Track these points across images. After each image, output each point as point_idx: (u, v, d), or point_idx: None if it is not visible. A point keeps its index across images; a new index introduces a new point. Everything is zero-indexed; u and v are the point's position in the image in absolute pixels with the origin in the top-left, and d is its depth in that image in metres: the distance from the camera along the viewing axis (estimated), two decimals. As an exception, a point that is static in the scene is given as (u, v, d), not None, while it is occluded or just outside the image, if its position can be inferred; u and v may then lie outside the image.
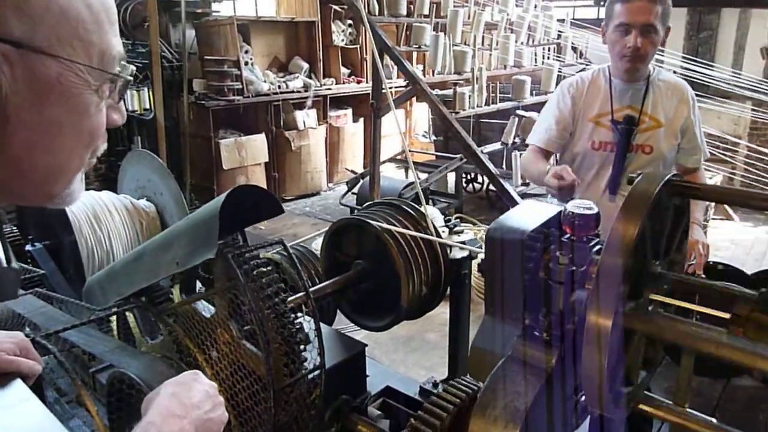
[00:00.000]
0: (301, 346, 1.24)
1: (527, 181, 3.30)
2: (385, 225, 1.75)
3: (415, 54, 6.00)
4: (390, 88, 6.64)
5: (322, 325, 1.61)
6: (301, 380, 1.23)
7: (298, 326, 1.24)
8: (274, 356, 1.16)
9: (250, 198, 1.32)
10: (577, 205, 1.21)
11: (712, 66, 6.79)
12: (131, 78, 0.64)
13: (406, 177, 6.34)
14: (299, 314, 1.31)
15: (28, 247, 2.90)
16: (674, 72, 7.12)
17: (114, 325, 1.63)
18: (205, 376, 0.91)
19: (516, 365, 1.19)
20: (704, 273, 2.00)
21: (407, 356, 3.51)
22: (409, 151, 7.21)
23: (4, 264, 0.61)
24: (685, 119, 2.19)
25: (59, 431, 0.81)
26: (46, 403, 1.30)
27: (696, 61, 6.55)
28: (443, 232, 1.92)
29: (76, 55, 0.58)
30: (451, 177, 6.19)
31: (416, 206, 1.88)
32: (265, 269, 1.20)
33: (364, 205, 2.05)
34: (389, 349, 3.43)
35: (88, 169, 0.67)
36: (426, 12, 5.16)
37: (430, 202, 5.51)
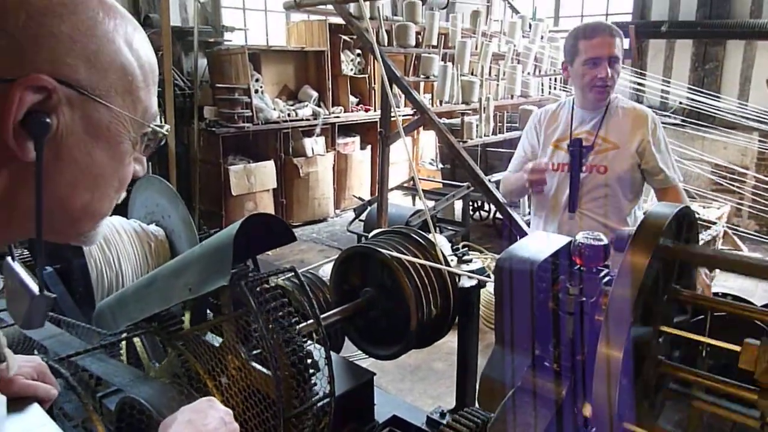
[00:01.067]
0: (311, 374, 1.25)
1: (510, 201, 3.42)
2: (394, 253, 1.76)
3: (422, 83, 6.08)
4: (398, 116, 6.72)
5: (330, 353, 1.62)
6: (311, 408, 1.23)
7: (308, 353, 1.25)
8: (284, 383, 1.17)
9: (263, 225, 1.34)
10: (586, 236, 1.23)
11: (718, 97, 6.84)
12: (166, 134, 0.70)
13: (413, 204, 6.36)
14: (309, 342, 1.32)
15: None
16: (680, 103, 7.18)
17: (123, 350, 1.64)
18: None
19: (526, 396, 1.19)
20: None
21: (414, 385, 3.47)
22: (422, 179, 7.26)
23: (37, 292, 0.63)
24: (640, 141, 2.31)
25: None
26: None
27: (702, 92, 6.59)
28: (452, 260, 1.93)
29: (126, 107, 0.64)
30: (458, 204, 6.21)
31: (425, 234, 1.89)
32: (276, 296, 1.22)
33: (373, 233, 2.06)
34: (396, 378, 3.40)
35: None
36: (434, 43, 5.25)
37: (437, 229, 5.52)
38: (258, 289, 1.20)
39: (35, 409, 0.88)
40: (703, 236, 4.39)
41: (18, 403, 0.89)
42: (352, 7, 4.34)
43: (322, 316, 1.74)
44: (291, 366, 1.19)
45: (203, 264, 1.27)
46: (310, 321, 1.37)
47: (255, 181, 6.65)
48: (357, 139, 8.05)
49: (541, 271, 1.24)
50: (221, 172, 6.39)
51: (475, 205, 7.10)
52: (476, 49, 5.56)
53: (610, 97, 2.35)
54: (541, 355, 1.25)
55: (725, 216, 5.87)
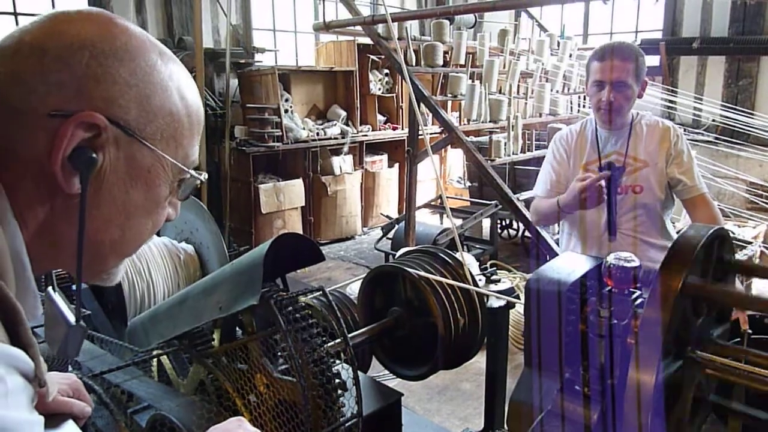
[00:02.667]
0: (339, 394, 1.25)
1: (542, 226, 3.39)
2: (422, 273, 1.76)
3: (450, 102, 6.08)
4: (425, 134, 6.75)
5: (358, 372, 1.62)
6: (338, 428, 1.23)
7: (336, 373, 1.25)
8: (312, 403, 1.17)
9: (292, 245, 1.36)
10: (617, 258, 1.21)
11: (752, 114, 6.69)
12: (202, 180, 0.72)
13: (441, 223, 6.34)
14: (337, 361, 1.32)
15: (73, 287, 3.01)
16: (713, 120, 7.05)
17: (154, 366, 1.67)
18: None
19: (555, 420, 1.17)
20: (750, 327, 1.96)
21: (442, 406, 3.44)
22: (449, 197, 7.25)
23: (73, 322, 0.65)
24: (666, 155, 2.30)
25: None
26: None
27: (735, 109, 6.46)
28: (480, 280, 1.92)
29: (169, 151, 0.67)
30: (486, 223, 6.17)
31: (453, 254, 1.89)
32: (305, 316, 1.23)
33: (401, 252, 2.07)
34: (423, 398, 3.37)
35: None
36: (462, 62, 5.27)
37: (465, 248, 5.49)
38: (287, 308, 1.21)
39: (70, 425, 0.90)
40: (739, 256, 4.27)
41: (54, 419, 0.91)
42: (380, 28, 4.40)
43: (349, 335, 1.75)
44: (319, 386, 1.20)
45: (234, 283, 1.29)
46: (338, 340, 1.38)
47: (284, 199, 6.72)
48: (385, 157, 8.09)
49: (571, 293, 1.23)
50: (251, 190, 6.48)
51: (504, 224, 7.04)
52: (504, 67, 5.56)
53: (622, 119, 2.32)
54: (571, 378, 1.23)
55: (762, 235, 5.69)
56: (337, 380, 1.25)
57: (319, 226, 7.26)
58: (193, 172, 0.71)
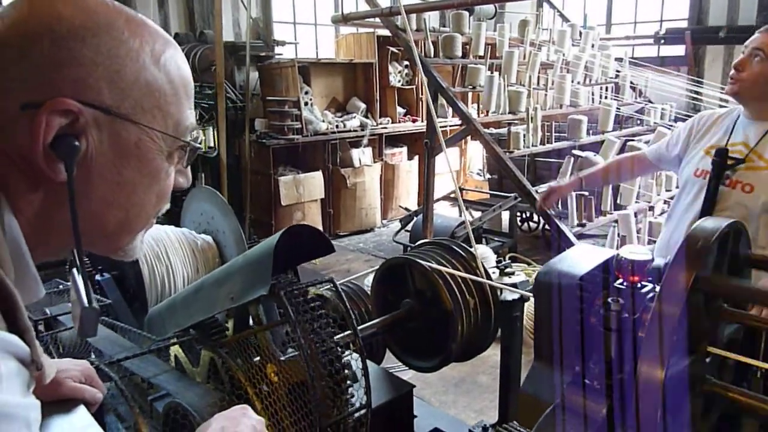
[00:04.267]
0: (348, 384, 1.26)
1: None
2: (434, 265, 1.76)
3: (470, 94, 6.03)
4: (445, 127, 6.72)
5: (369, 363, 1.63)
6: (347, 418, 1.25)
7: (345, 364, 1.26)
8: (320, 392, 1.19)
9: (303, 237, 1.37)
10: (630, 251, 1.20)
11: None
12: (200, 147, 0.70)
13: (460, 215, 6.32)
14: (347, 352, 1.33)
15: (97, 278, 3.08)
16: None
17: (172, 355, 1.70)
18: (254, 410, 0.94)
19: (564, 414, 1.17)
20: None
21: (458, 398, 3.44)
22: (463, 189, 7.22)
23: (86, 304, 0.66)
24: None
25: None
26: (105, 428, 1.37)
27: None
28: (493, 273, 1.91)
29: (155, 123, 0.66)
30: (506, 215, 6.14)
31: (467, 247, 1.88)
32: (315, 307, 1.24)
33: (416, 244, 2.07)
34: (439, 390, 3.37)
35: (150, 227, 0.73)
36: (481, 53, 5.23)
37: (483, 240, 5.46)
38: (298, 299, 1.23)
39: (81, 411, 0.92)
40: None
41: (65, 404, 0.94)
42: (398, 20, 4.39)
43: (360, 327, 1.76)
44: (328, 376, 1.21)
45: (245, 274, 1.31)
46: (349, 332, 1.39)
47: (303, 191, 6.77)
48: (404, 149, 8.08)
49: (582, 286, 1.22)
50: (271, 182, 6.53)
51: (524, 216, 6.99)
52: (524, 58, 5.51)
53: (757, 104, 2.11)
54: (582, 372, 1.22)
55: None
56: (346, 371, 1.26)
57: (338, 218, 7.29)
58: (187, 140, 0.69)
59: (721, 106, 6.84)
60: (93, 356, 1.64)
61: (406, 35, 4.10)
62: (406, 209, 6.36)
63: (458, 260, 1.83)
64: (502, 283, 1.87)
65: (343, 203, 7.27)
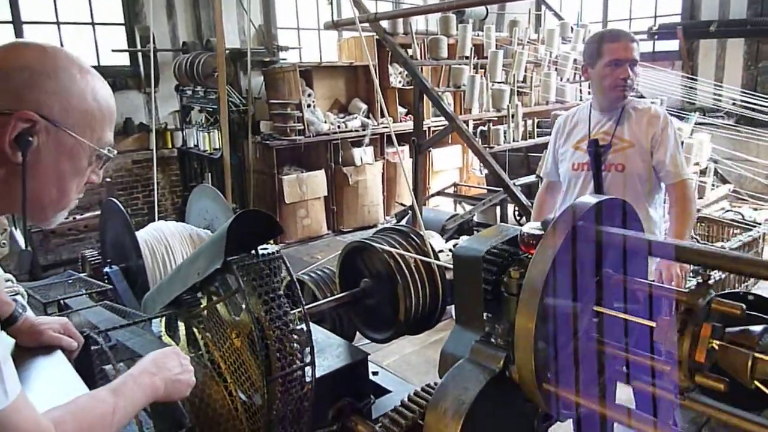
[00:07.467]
0: (293, 347, 1.49)
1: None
2: (387, 247, 1.99)
3: (457, 94, 6.21)
4: (440, 126, 6.90)
5: (334, 336, 1.88)
6: (293, 373, 1.48)
7: (291, 328, 1.49)
8: (266, 351, 1.42)
9: (260, 222, 1.60)
10: (531, 227, 1.41)
11: (772, 96, 6.61)
12: (111, 156, 1.02)
13: (455, 210, 6.54)
14: (294, 314, 1.56)
15: (106, 269, 3.37)
16: (733, 103, 6.98)
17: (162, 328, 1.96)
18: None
19: (469, 365, 1.38)
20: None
21: (438, 378, 3.63)
22: (459, 185, 7.42)
23: (23, 247, 0.99)
24: (652, 138, 2.42)
25: (78, 385, 1.11)
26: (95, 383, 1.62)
27: (754, 94, 6.40)
28: (447, 255, 2.14)
29: (86, 136, 0.96)
30: (508, 210, 6.31)
31: (418, 231, 2.11)
32: (263, 276, 1.47)
33: (376, 230, 2.30)
34: (421, 371, 3.58)
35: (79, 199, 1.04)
36: (467, 54, 5.43)
37: (474, 233, 5.67)
38: (248, 271, 1.46)
39: (58, 354, 1.18)
40: (742, 238, 4.31)
41: (46, 349, 1.21)
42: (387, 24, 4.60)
43: (322, 301, 2.00)
44: (275, 336, 1.44)
45: (208, 252, 1.55)
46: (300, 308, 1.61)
47: (307, 190, 7.03)
48: (406, 148, 8.28)
49: (489, 257, 1.44)
50: (275, 181, 6.81)
51: (521, 211, 7.17)
52: (512, 57, 5.69)
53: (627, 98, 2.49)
54: (490, 332, 1.44)
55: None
56: (292, 334, 1.49)
57: (341, 214, 7.54)
58: (103, 151, 0.99)
59: (715, 99, 6.95)
60: (98, 337, 1.91)
61: (394, 39, 4.32)
62: (401, 204, 6.59)
63: (410, 243, 2.06)
64: (448, 264, 2.09)
65: (346, 201, 7.52)
